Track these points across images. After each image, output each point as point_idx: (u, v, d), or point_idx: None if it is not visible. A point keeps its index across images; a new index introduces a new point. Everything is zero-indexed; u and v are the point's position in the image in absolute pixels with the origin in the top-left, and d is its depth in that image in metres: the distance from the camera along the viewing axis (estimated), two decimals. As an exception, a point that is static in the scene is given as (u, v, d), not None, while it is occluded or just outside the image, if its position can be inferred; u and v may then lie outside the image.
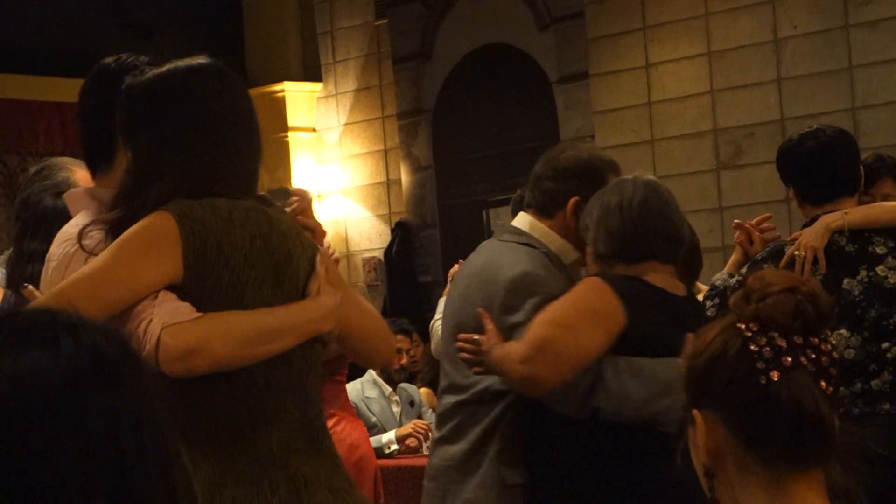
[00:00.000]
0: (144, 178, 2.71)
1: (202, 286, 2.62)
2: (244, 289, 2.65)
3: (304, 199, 3.08)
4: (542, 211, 3.85)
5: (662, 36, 9.41)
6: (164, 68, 2.82)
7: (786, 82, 8.87)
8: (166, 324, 2.53)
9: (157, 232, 2.61)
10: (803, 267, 4.44)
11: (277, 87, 11.38)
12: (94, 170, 3.03)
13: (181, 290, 2.61)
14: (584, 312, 3.41)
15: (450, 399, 3.86)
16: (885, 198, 4.98)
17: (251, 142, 2.89)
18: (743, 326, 1.85)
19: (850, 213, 4.54)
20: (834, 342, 1.86)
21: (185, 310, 2.57)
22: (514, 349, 3.44)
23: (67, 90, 9.98)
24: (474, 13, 10.35)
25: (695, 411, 1.88)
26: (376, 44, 11.09)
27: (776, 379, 1.81)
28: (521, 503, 3.69)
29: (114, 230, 2.66)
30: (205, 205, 2.67)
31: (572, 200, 3.75)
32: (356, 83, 11.20)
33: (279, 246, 2.73)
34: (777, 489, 1.82)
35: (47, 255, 2.88)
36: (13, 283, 3.35)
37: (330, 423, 5.26)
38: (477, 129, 10.38)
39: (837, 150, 4.66)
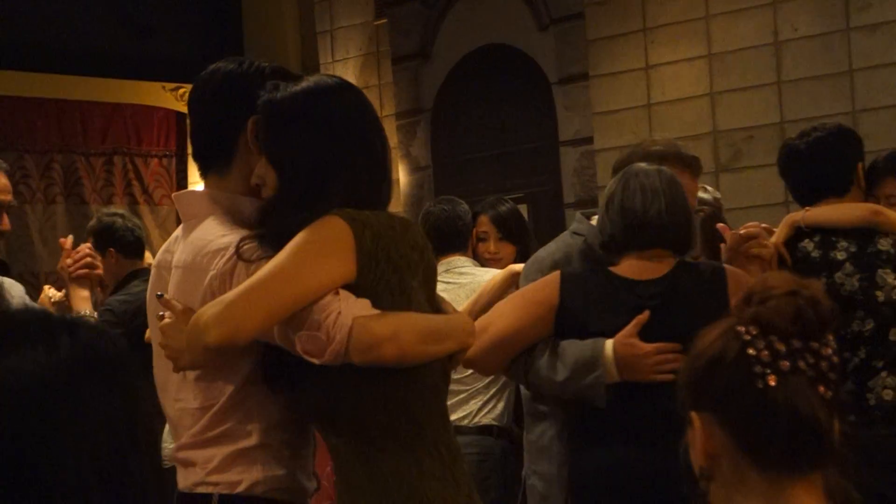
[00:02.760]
0: (302, 196, 2.79)
1: (374, 288, 2.72)
2: (410, 294, 2.77)
3: None
4: None
5: (662, 38, 9.40)
6: (303, 85, 2.90)
7: (786, 85, 8.86)
8: (357, 315, 2.63)
9: (332, 235, 2.70)
10: (771, 266, 4.47)
11: (276, 85, 11.37)
12: (206, 170, 3.09)
13: (354, 290, 2.71)
14: (525, 302, 3.66)
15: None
16: (888, 198, 4.90)
17: (388, 158, 2.99)
18: (742, 329, 1.83)
19: (810, 211, 4.53)
20: (835, 346, 1.85)
21: (368, 305, 2.68)
22: None
23: (66, 87, 9.98)
24: (474, 13, 10.33)
25: (693, 413, 1.87)
26: (375, 43, 11.08)
27: (773, 384, 1.80)
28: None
29: (274, 242, 2.74)
30: (370, 213, 2.78)
31: None
32: (355, 82, 11.10)
33: (430, 259, 2.88)
34: (774, 494, 1.81)
35: (180, 262, 2.97)
36: None
37: None
38: (476, 130, 10.37)
39: (824, 149, 4.63)
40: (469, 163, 10.42)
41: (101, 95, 10.57)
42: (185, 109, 11.53)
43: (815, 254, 4.49)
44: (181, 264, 2.96)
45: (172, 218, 11.90)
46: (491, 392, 5.18)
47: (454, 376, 5.21)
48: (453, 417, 5.27)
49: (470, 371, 5.20)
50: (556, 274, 3.68)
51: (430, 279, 2.88)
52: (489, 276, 5.27)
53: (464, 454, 5.04)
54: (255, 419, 2.89)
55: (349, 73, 11.26)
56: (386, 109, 10.96)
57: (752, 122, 9.00)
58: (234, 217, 2.94)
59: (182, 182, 11.99)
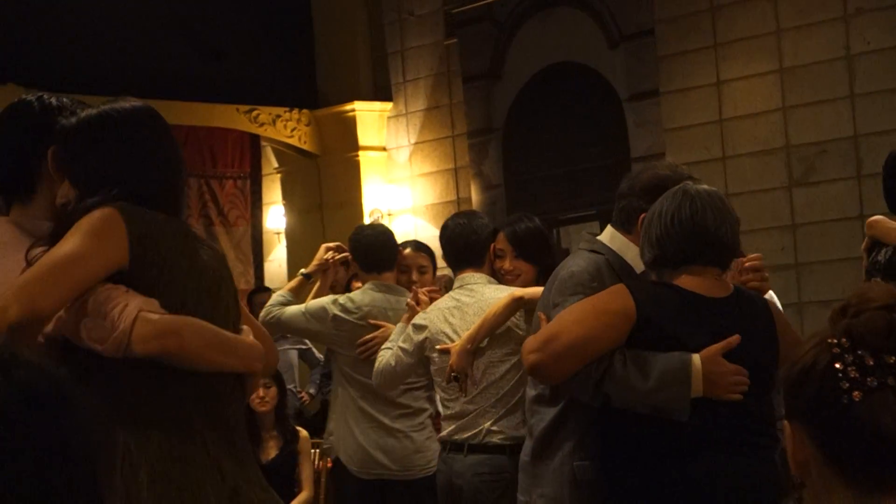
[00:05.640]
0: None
1: (143, 278, 2.83)
2: (185, 296, 2.88)
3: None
4: (622, 225, 4.05)
5: (733, 53, 9.37)
6: (98, 110, 3.02)
7: (859, 98, 8.80)
8: (142, 308, 2.77)
9: (104, 221, 2.82)
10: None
11: (348, 106, 11.45)
12: (10, 201, 3.18)
13: (128, 278, 2.82)
14: (596, 311, 3.64)
15: (530, 392, 4.10)
16: None
17: (181, 178, 3.08)
18: (833, 341, 1.82)
19: None
20: None
21: (156, 304, 2.81)
22: (528, 341, 3.71)
23: (141, 111, 10.11)
24: (544, 32, 10.35)
25: (786, 421, 1.86)
26: (446, 63, 11.13)
27: (858, 399, 1.78)
28: (594, 498, 3.84)
29: (54, 239, 2.86)
30: (143, 209, 2.89)
31: (641, 216, 3.86)
32: (426, 102, 11.24)
33: (209, 266, 2.95)
34: None
35: None
36: None
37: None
38: (547, 148, 10.37)
39: None
40: (541, 180, 10.43)
41: (176, 118, 10.68)
42: (259, 132, 11.70)
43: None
44: None
45: (248, 238, 12.00)
46: (501, 411, 5.19)
47: (462, 398, 5.26)
48: (464, 436, 5.25)
49: (479, 390, 5.24)
50: (621, 287, 3.69)
51: (217, 288, 2.96)
52: (496, 294, 5.30)
53: (477, 474, 5.08)
54: None
55: (420, 92, 11.31)
56: (457, 129, 11.00)
57: (824, 137, 8.94)
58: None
59: (256, 203, 12.09)
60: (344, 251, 6.24)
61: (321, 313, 5.97)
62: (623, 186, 4.10)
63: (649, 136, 9.75)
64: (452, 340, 5.30)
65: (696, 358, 3.56)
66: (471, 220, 5.60)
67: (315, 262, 6.21)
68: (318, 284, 6.30)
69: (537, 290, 5.19)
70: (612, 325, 3.61)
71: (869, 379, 1.77)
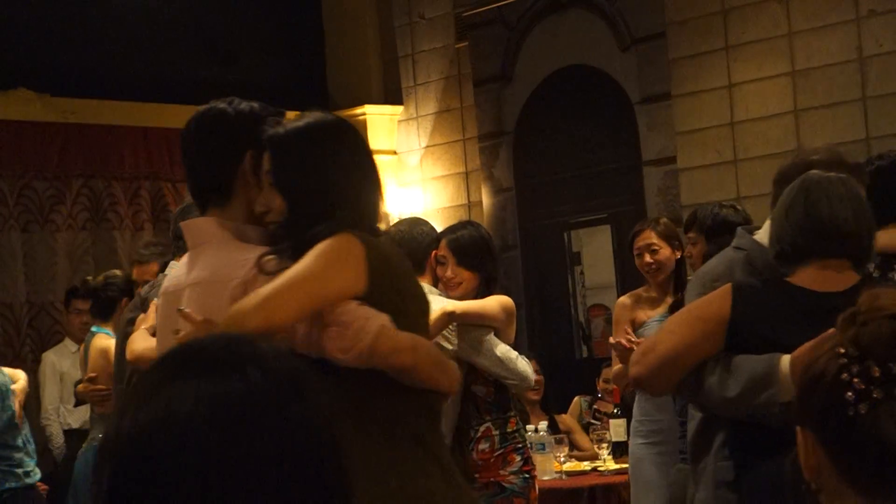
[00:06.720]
0: (308, 218, 3.08)
1: (378, 305, 2.99)
2: (406, 321, 3.04)
3: None
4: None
5: (745, 55, 9.34)
6: (307, 121, 3.18)
7: (871, 101, 8.77)
8: (385, 325, 2.94)
9: (347, 249, 2.99)
10: None
11: (358, 110, 11.44)
12: (205, 204, 3.28)
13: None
14: (692, 318, 3.56)
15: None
16: None
17: (380, 189, 3.24)
18: (842, 350, 1.80)
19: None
20: None
21: (390, 319, 2.98)
22: (634, 353, 3.70)
23: (152, 115, 10.10)
24: (555, 35, 10.34)
25: (798, 427, 1.84)
26: (457, 66, 11.12)
27: (863, 412, 1.76)
28: (734, 500, 3.70)
29: (291, 255, 3.02)
30: (373, 238, 3.08)
31: None
32: (437, 106, 11.23)
33: (421, 292, 3.18)
34: None
35: (198, 279, 3.20)
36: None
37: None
38: (558, 151, 10.36)
39: (886, 174, 4.67)
40: (552, 184, 10.41)
41: (187, 122, 10.70)
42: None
43: (875, 273, 4.49)
44: (199, 281, 3.19)
45: (258, 243, 12.01)
46: None
47: None
48: None
49: None
50: (727, 287, 3.54)
51: (425, 309, 3.20)
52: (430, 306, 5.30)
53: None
54: None
55: (431, 96, 11.30)
56: (468, 132, 10.98)
57: (837, 139, 8.90)
58: (241, 241, 3.20)
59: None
60: None
61: None
62: (776, 173, 3.99)
63: (661, 139, 9.73)
64: None
65: (784, 360, 3.38)
66: (412, 227, 5.57)
67: None
68: None
69: (469, 305, 5.27)
70: (707, 332, 3.50)
71: (875, 391, 1.75)
